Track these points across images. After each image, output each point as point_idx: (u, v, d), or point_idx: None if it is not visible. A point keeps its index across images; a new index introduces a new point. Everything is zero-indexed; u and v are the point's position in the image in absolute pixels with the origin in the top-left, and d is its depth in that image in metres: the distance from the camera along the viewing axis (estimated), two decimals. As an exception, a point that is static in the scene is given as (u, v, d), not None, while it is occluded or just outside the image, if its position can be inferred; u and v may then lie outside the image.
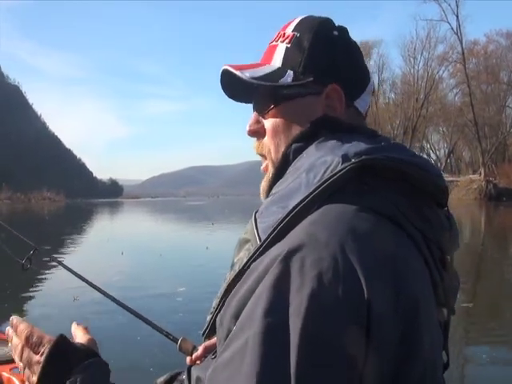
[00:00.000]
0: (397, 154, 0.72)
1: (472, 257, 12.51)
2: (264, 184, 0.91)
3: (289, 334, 0.57)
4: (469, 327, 6.29)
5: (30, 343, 0.82)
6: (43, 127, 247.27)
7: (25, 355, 0.82)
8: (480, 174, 51.93)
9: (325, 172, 0.69)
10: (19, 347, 0.83)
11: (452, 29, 55.91)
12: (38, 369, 0.79)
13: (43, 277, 8.89)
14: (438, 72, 64.21)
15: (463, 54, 55.61)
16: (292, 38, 0.89)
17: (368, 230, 0.65)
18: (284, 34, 0.91)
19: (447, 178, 52.65)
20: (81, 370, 0.78)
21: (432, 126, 68.47)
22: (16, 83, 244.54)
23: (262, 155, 0.93)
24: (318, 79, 0.85)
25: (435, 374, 0.67)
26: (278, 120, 0.88)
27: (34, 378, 0.79)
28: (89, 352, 0.83)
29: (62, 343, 0.81)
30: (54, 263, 1.87)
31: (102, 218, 37.22)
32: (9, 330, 0.87)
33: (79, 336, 0.90)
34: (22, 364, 0.83)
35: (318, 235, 0.63)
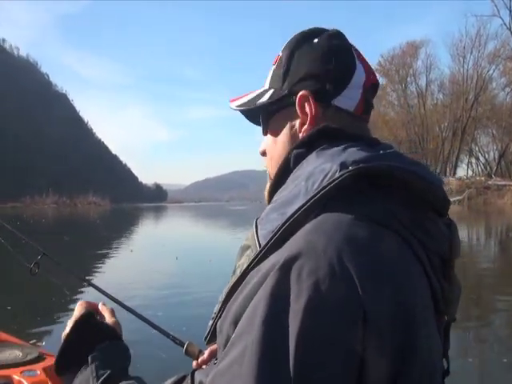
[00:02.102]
0: (396, 162, 0.73)
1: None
2: (267, 188, 0.94)
3: (287, 341, 0.58)
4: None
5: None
6: (90, 133, 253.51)
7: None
8: (535, 177, 49.38)
9: (323, 179, 0.71)
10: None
11: (504, 24, 53.62)
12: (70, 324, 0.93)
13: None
14: (488, 71, 61.58)
15: (516, 50, 53.09)
16: (277, 59, 0.94)
17: (365, 237, 0.66)
18: (276, 56, 0.95)
19: (499, 182, 50.28)
20: (105, 348, 0.86)
21: (481, 127, 65.59)
22: (63, 91, 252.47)
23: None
24: (291, 91, 0.88)
25: (434, 379, 0.69)
26: (269, 137, 0.94)
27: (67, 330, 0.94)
28: (114, 333, 0.93)
29: (91, 316, 0.95)
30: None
31: (151, 223, 37.28)
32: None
33: (107, 317, 0.99)
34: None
35: (315, 243, 0.64)
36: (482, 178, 53.76)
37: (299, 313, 0.59)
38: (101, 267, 11.42)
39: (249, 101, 0.95)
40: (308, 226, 0.68)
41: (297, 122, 0.88)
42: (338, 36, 0.91)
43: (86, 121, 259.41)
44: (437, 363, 0.71)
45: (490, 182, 50.71)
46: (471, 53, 62.13)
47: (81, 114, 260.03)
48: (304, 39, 0.91)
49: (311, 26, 0.96)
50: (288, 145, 0.89)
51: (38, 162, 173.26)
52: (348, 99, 0.87)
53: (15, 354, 2.27)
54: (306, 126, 0.87)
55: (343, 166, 0.70)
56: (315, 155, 0.79)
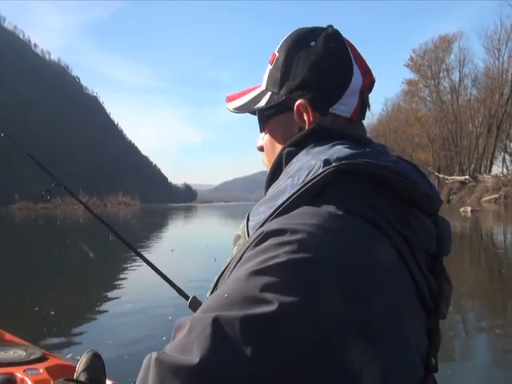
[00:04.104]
0: (380, 160, 0.75)
1: None
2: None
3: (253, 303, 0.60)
4: None
5: None
6: (120, 135, 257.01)
7: None
8: None
9: (307, 175, 0.74)
10: None
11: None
12: None
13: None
14: (524, 64, 59.36)
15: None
16: (274, 58, 0.94)
17: (339, 228, 0.68)
18: (272, 54, 0.96)
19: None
20: None
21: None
22: (94, 94, 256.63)
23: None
24: (289, 96, 0.90)
25: (409, 374, 0.70)
26: (268, 137, 0.98)
27: None
28: None
29: None
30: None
31: (185, 223, 37.28)
32: None
33: None
34: None
35: (292, 224, 0.67)
36: (519, 176, 51.94)
37: (259, 282, 0.61)
38: (146, 267, 11.10)
39: (246, 103, 0.98)
40: (291, 213, 0.72)
41: (295, 128, 0.91)
42: (334, 37, 0.90)
43: (116, 123, 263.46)
44: (413, 359, 0.72)
45: (527, 180, 48.91)
46: (506, 45, 59.88)
47: (111, 116, 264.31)
48: (301, 42, 0.91)
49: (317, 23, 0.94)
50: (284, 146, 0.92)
51: (68, 163, 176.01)
52: (345, 106, 0.88)
53: (19, 353, 2.35)
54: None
55: (326, 162, 0.74)
56: (305, 153, 0.83)
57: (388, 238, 0.71)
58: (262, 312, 0.59)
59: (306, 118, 0.88)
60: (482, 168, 61.82)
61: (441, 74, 66.11)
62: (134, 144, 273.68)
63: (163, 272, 1.73)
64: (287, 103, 0.91)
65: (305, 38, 0.91)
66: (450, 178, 57.82)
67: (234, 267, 0.70)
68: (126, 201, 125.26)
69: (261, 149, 1.01)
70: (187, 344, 0.60)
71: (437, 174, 60.87)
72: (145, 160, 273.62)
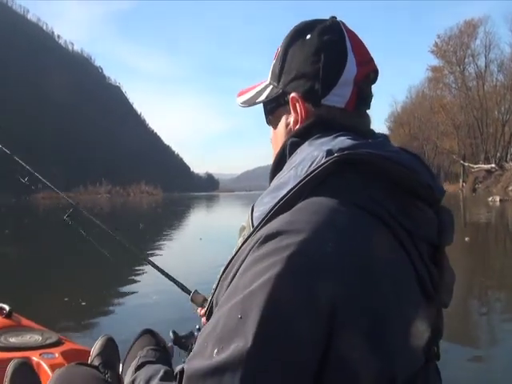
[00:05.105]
0: (381, 150, 0.76)
1: None
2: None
3: (255, 310, 0.63)
4: None
5: None
6: (143, 124, 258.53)
7: None
8: None
9: (310, 165, 0.75)
10: None
11: None
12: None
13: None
14: (553, 49, 57.74)
15: None
16: (276, 52, 0.97)
17: (342, 223, 0.69)
18: (277, 48, 0.98)
19: None
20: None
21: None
22: (117, 84, 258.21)
23: None
24: (285, 90, 0.92)
25: (408, 368, 0.71)
26: (272, 130, 1.01)
27: None
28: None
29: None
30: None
31: (210, 212, 37.29)
32: None
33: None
34: None
35: (294, 223, 0.68)
36: (547, 164, 50.74)
37: (266, 284, 0.63)
38: (178, 258, 11.00)
39: (251, 97, 1.01)
40: (293, 208, 0.72)
41: (291, 120, 0.92)
42: (331, 29, 0.90)
43: (139, 112, 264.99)
44: (415, 349, 0.73)
45: (555, 168, 47.79)
46: (534, 29, 58.39)
47: (134, 106, 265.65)
48: (298, 35, 0.92)
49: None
50: (285, 138, 0.93)
51: (91, 153, 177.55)
52: (337, 97, 0.88)
53: (35, 338, 2.41)
54: (298, 126, 0.91)
55: (329, 153, 0.75)
56: (308, 144, 0.84)
57: (389, 229, 0.72)
58: (262, 322, 0.61)
59: (298, 110, 0.90)
60: (509, 156, 60.36)
61: (466, 60, 64.61)
62: (156, 133, 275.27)
63: (171, 270, 1.80)
64: (284, 96, 0.92)
65: (302, 31, 0.92)
66: (475, 166, 56.74)
67: (239, 267, 0.72)
68: (149, 190, 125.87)
69: (271, 141, 1.03)
70: None
71: (462, 162, 59.91)
72: (167, 149, 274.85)
